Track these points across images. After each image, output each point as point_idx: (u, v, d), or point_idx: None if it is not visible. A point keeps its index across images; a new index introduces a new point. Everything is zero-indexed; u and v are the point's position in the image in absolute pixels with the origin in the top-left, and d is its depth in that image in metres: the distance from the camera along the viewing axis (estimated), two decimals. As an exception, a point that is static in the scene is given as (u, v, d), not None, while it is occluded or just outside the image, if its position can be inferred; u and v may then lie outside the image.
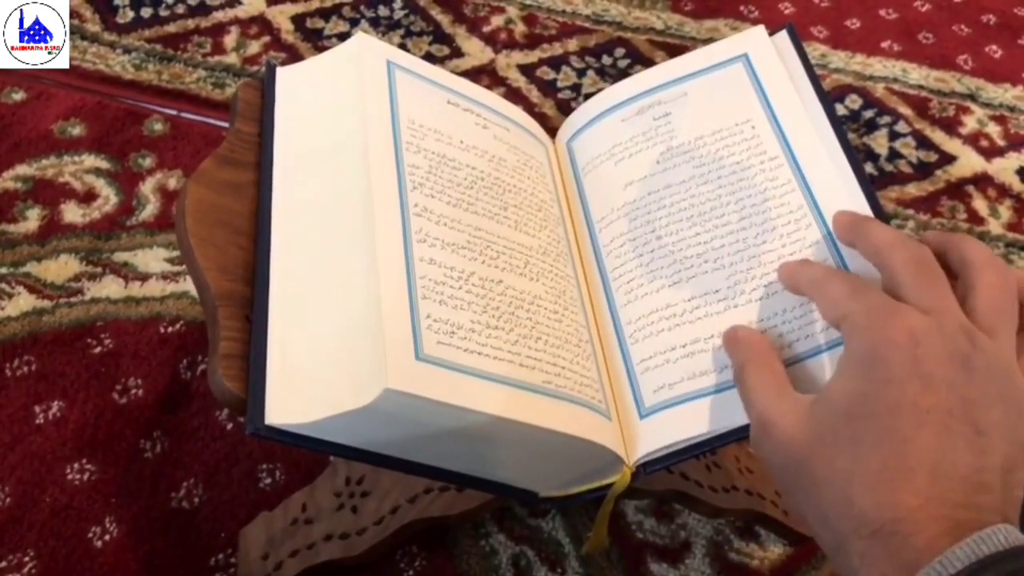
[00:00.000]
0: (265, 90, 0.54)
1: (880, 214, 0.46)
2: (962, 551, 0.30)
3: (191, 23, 1.04)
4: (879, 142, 0.98)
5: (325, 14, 1.07)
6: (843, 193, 0.47)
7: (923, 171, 0.95)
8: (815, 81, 0.53)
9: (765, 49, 0.54)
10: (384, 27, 1.06)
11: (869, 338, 0.36)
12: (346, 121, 0.50)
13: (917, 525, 0.32)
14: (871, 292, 0.38)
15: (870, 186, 0.48)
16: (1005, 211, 0.92)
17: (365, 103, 0.50)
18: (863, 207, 0.47)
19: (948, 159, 0.97)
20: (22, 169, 0.88)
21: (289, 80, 0.54)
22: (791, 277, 0.44)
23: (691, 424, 0.45)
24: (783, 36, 0.55)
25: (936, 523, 0.32)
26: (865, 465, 0.33)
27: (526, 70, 1.03)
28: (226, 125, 0.69)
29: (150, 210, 0.85)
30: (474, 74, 1.02)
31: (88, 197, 0.86)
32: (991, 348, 0.36)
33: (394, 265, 0.43)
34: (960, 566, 0.30)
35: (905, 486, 0.33)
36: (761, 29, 0.55)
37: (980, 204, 0.93)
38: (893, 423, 0.34)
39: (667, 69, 0.57)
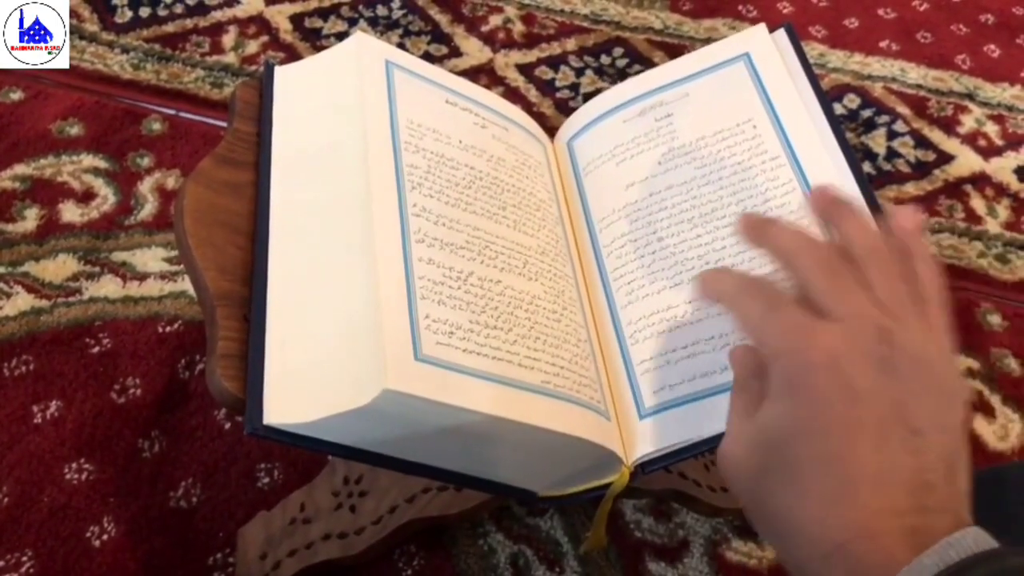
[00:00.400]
0: (263, 89, 0.54)
1: (878, 213, 0.46)
2: (929, 559, 0.30)
3: (189, 23, 1.04)
4: (877, 141, 0.98)
5: (323, 14, 1.07)
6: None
7: (921, 170, 0.95)
8: (813, 80, 0.53)
9: (766, 48, 0.54)
10: (382, 27, 1.06)
11: (789, 364, 0.35)
12: (344, 121, 0.50)
13: (871, 540, 0.31)
14: (784, 309, 0.37)
15: (868, 185, 0.48)
16: (1003, 210, 0.92)
17: (364, 102, 0.50)
18: (862, 206, 0.47)
19: (946, 158, 0.97)
20: (20, 169, 0.87)
21: (287, 79, 0.54)
22: (705, 288, 0.42)
23: (691, 426, 0.45)
24: (781, 35, 0.55)
25: (889, 534, 0.31)
26: (808, 490, 0.33)
27: (524, 69, 1.03)
28: (224, 125, 0.69)
29: (148, 210, 0.85)
30: (472, 73, 1.02)
31: (86, 197, 0.86)
32: (908, 341, 0.35)
33: (393, 265, 0.43)
34: (929, 575, 0.30)
35: (851, 503, 0.32)
36: (762, 28, 0.55)
37: (978, 203, 0.93)
38: (828, 444, 0.33)
39: (669, 70, 0.57)
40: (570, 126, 0.59)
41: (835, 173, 0.48)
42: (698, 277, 0.42)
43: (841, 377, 0.34)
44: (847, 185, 0.48)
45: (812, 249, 0.38)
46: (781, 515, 0.34)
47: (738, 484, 0.37)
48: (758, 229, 0.41)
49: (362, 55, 0.52)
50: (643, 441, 0.46)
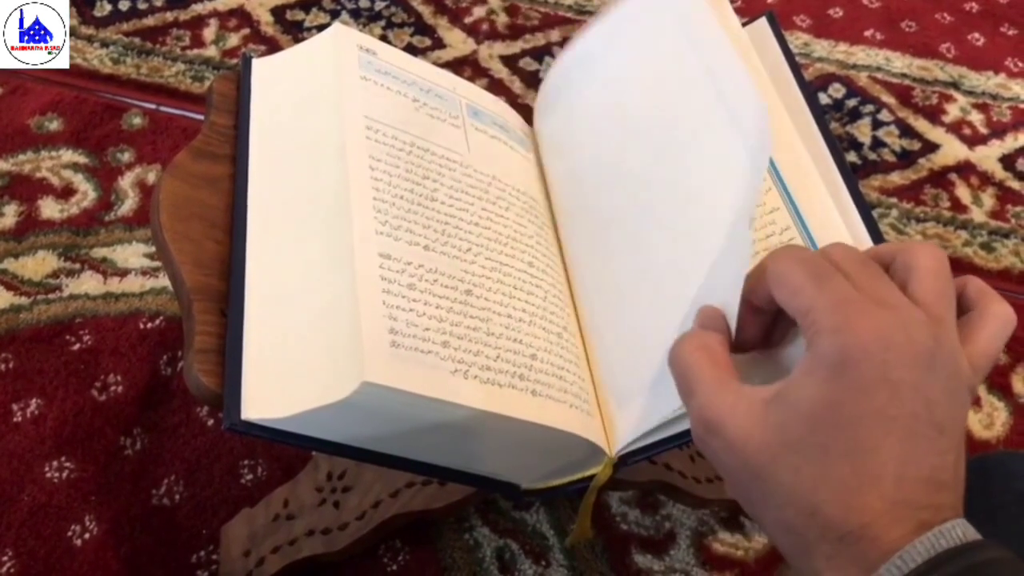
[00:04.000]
0: (241, 82, 0.54)
1: (861, 203, 0.46)
2: (922, 545, 0.31)
3: (170, 16, 1.03)
4: (862, 131, 0.98)
5: (305, 6, 1.06)
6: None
7: (906, 159, 0.95)
8: (796, 70, 0.52)
9: None
10: (365, 18, 1.06)
11: (839, 343, 0.34)
12: (321, 113, 0.49)
13: (883, 528, 0.32)
14: (833, 280, 0.35)
15: (852, 176, 0.47)
16: (988, 199, 0.92)
17: (341, 93, 0.49)
18: (841, 191, 0.46)
19: (931, 147, 0.97)
20: (-2, 164, 0.87)
21: (265, 72, 0.54)
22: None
23: (666, 403, 0.43)
24: (762, 23, 0.54)
25: (901, 524, 0.32)
26: (833, 473, 0.33)
27: (508, 61, 1.03)
28: (204, 118, 0.68)
29: (129, 205, 0.85)
30: (456, 65, 1.01)
31: (66, 192, 0.85)
32: (948, 340, 0.35)
33: (370, 258, 0.42)
34: (920, 559, 0.30)
35: (872, 491, 0.32)
36: None
37: (963, 192, 0.93)
38: (860, 433, 0.33)
39: (597, 30, 0.55)
40: (535, 114, 0.59)
41: (758, 104, 0.44)
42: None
43: (887, 367, 0.33)
44: (830, 176, 0.47)
45: (838, 246, 0.37)
46: (796, 493, 0.34)
47: (733, 455, 0.35)
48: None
49: (339, 46, 0.52)
50: (624, 430, 0.45)
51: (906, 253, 0.38)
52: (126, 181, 0.86)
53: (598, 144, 0.52)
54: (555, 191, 0.54)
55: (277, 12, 1.05)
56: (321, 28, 1.03)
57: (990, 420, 0.76)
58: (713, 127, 0.47)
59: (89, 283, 0.79)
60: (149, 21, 1.03)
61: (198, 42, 1.01)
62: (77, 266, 0.80)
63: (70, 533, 0.65)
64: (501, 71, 1.01)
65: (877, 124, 0.99)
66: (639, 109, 0.51)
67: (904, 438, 0.33)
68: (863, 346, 0.34)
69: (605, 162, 0.51)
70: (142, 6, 1.04)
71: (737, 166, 0.44)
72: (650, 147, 0.49)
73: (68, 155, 0.88)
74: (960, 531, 0.31)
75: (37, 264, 0.80)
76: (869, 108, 1.00)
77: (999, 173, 0.95)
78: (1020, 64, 1.06)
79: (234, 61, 0.99)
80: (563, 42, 1.05)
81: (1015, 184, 0.94)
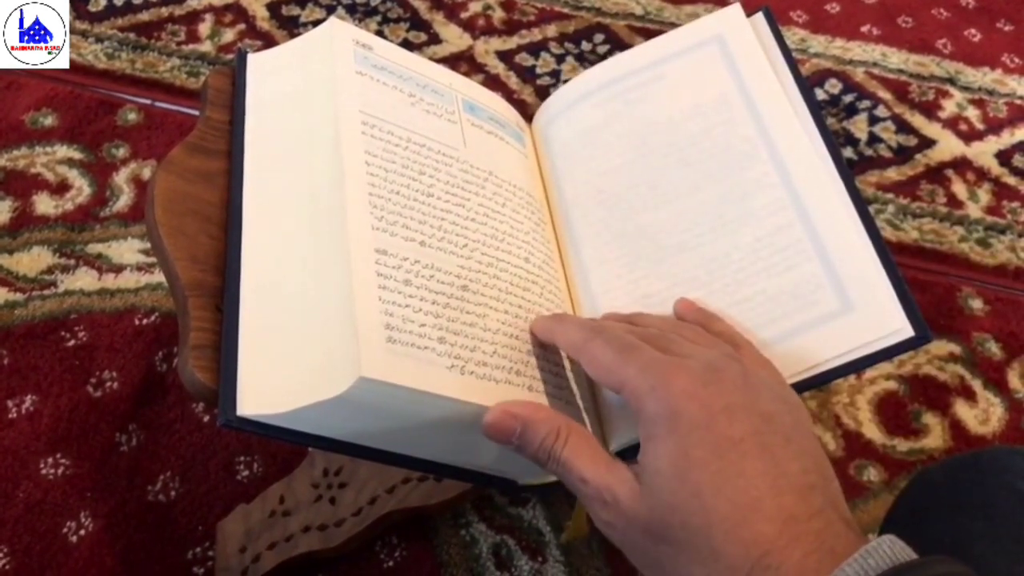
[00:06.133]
0: (236, 77, 0.53)
1: (858, 199, 0.46)
2: (851, 568, 0.31)
3: (165, 11, 1.03)
4: (859, 126, 0.98)
5: (301, 1, 1.06)
6: (820, 172, 0.47)
7: (903, 155, 0.95)
8: (792, 65, 0.52)
9: (740, 29, 0.54)
10: (361, 14, 1.05)
11: (659, 399, 0.36)
12: (316, 108, 0.49)
13: (783, 553, 0.32)
14: (637, 349, 0.38)
15: (848, 171, 0.47)
16: (984, 194, 0.92)
17: (336, 89, 0.49)
18: (839, 188, 0.46)
19: (927, 143, 0.97)
20: (-7, 160, 0.86)
21: (260, 67, 0.54)
22: (546, 334, 0.44)
23: None
24: (759, 19, 0.54)
25: (798, 543, 0.32)
26: (717, 513, 0.33)
27: (504, 56, 1.02)
28: (199, 113, 0.68)
29: (124, 201, 0.84)
30: (452, 61, 1.01)
31: (61, 188, 0.85)
32: (751, 364, 0.39)
33: (366, 253, 0.42)
34: None
35: (758, 517, 0.33)
36: (737, 8, 0.55)
37: (959, 188, 0.93)
38: (722, 464, 0.34)
39: (642, 52, 0.56)
40: (544, 112, 0.58)
41: (811, 153, 0.48)
42: (534, 322, 0.45)
43: (711, 399, 0.35)
44: (826, 165, 0.47)
45: (599, 335, 0.40)
46: (694, 545, 0.34)
47: (631, 529, 0.36)
48: (546, 330, 0.44)
49: (335, 41, 0.51)
50: (620, 430, 0.45)
51: (672, 331, 0.42)
52: (121, 177, 0.86)
53: (627, 159, 0.53)
54: (563, 195, 0.54)
55: (273, 7, 1.05)
56: (317, 23, 1.03)
57: (986, 416, 0.76)
58: (757, 159, 0.49)
59: (84, 279, 0.78)
60: (144, 16, 1.02)
61: (193, 37, 1.01)
62: (72, 262, 0.79)
63: (65, 530, 0.65)
64: (497, 67, 1.01)
65: (873, 120, 0.98)
66: (681, 135, 0.52)
67: (760, 454, 0.34)
68: (682, 391, 0.36)
69: (640, 180, 0.52)
70: (137, 1, 1.04)
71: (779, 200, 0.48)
72: (694, 173, 0.51)
73: (63, 151, 0.88)
74: (887, 547, 0.31)
75: (32, 260, 0.79)
76: (865, 104, 1.00)
77: (995, 169, 0.95)
78: (1016, 60, 1.06)
79: (230, 56, 0.99)
80: (559, 38, 1.04)
81: (1011, 180, 0.94)
